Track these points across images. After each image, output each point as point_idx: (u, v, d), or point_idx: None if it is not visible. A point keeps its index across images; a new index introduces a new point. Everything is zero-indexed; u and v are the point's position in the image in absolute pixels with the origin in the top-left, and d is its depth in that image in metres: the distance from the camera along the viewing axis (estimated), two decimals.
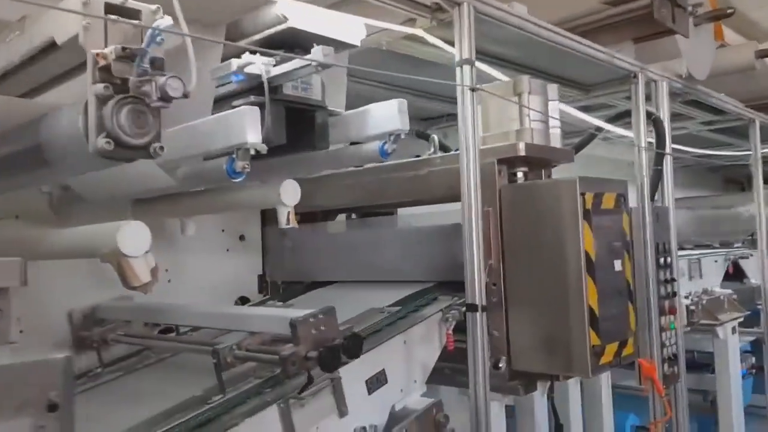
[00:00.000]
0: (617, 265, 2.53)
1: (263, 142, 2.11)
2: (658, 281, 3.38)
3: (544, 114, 2.69)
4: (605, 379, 3.29)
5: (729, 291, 4.87)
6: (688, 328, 4.24)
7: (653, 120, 3.53)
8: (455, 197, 2.67)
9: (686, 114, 4.93)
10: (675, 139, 5.94)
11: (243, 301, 3.48)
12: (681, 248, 7.11)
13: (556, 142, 2.77)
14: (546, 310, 2.45)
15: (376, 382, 2.25)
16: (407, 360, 2.39)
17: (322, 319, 1.95)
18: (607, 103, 4.37)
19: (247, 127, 1.83)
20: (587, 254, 2.37)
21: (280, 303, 3.22)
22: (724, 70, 5.02)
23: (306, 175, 2.85)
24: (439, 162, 2.80)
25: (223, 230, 3.45)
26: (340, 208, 3.36)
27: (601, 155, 6.66)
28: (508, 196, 2.56)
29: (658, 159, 3.54)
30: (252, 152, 1.87)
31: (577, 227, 2.36)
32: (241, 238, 3.53)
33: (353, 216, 3.81)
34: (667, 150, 3.57)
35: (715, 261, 5.04)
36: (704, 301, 4.43)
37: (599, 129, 3.88)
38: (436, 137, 2.87)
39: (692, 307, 4.22)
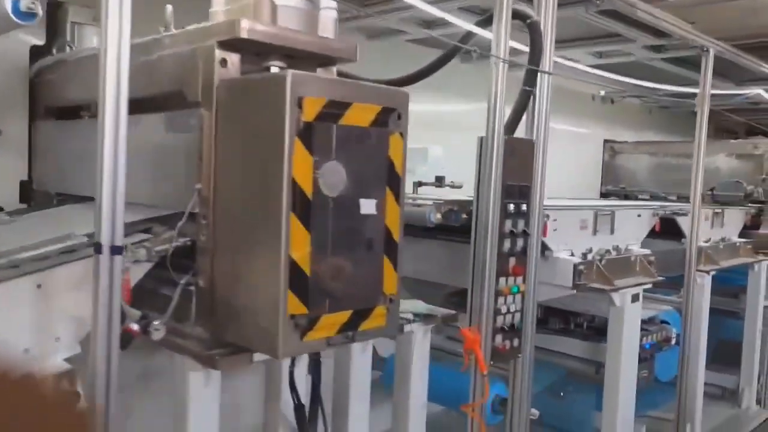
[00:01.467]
0: (367, 206, 1.81)
1: None
2: (502, 233, 2.66)
3: None
4: (419, 341, 2.62)
5: (647, 251, 4.14)
6: (573, 292, 3.56)
7: (528, 25, 2.71)
8: (180, 97, 1.96)
9: (624, 35, 4.04)
10: (617, 68, 5.08)
11: None
12: (627, 197, 6.36)
13: (327, 29, 2.00)
14: (247, 260, 1.76)
15: None
16: (42, 311, 1.72)
17: None
18: None
19: None
20: (296, 185, 1.64)
21: (7, 218, 2.55)
22: None
23: None
24: (168, 43, 2.04)
25: None
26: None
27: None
28: (223, 96, 1.82)
29: (530, 78, 2.74)
30: None
31: (280, 146, 1.62)
32: None
33: None
34: (545, 67, 2.76)
35: (638, 215, 4.28)
36: (603, 262, 3.71)
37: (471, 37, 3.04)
38: (170, 7, 2.09)
39: (581, 267, 3.52)
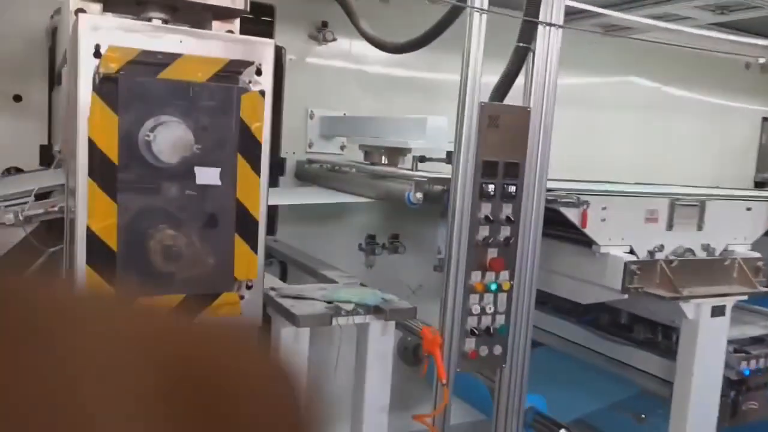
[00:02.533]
0: (205, 175, 1.56)
1: None
2: (476, 219, 2.22)
3: None
4: (376, 337, 2.30)
5: (755, 255, 3.30)
6: (623, 296, 2.94)
7: None
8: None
9: None
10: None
11: (17, 171, 3.02)
12: None
13: None
14: (72, 230, 1.61)
15: None
16: None
17: None
18: None
19: None
20: (94, 147, 1.45)
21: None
22: None
23: None
24: None
25: None
26: None
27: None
28: (69, 49, 1.66)
29: (526, 32, 2.23)
30: None
31: (74, 102, 1.44)
32: (17, 98, 3.00)
33: None
34: (550, 17, 2.23)
35: (748, 209, 3.42)
36: (674, 264, 3.01)
37: None
38: None
39: (634, 267, 2.89)
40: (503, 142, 2.22)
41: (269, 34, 3.49)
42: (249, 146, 1.60)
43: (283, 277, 3.33)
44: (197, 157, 1.54)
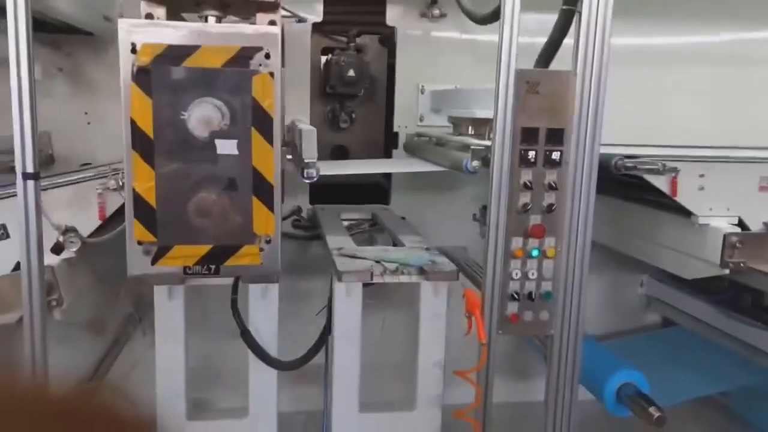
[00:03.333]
0: (224, 146, 1.86)
1: None
2: (516, 185, 2.25)
3: None
4: (428, 298, 2.44)
5: None
6: (724, 271, 2.70)
7: None
8: None
9: None
10: None
11: None
12: None
13: None
14: None
15: None
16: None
17: None
18: None
19: None
20: (135, 126, 1.82)
21: None
22: None
23: None
24: None
25: None
26: None
27: None
28: None
29: None
30: None
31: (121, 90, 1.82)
32: None
33: None
34: None
35: None
36: None
37: None
38: None
39: (735, 239, 2.65)
40: (545, 108, 2.21)
41: (382, 15, 3.72)
42: (261, 120, 1.87)
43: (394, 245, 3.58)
44: (221, 131, 1.85)
